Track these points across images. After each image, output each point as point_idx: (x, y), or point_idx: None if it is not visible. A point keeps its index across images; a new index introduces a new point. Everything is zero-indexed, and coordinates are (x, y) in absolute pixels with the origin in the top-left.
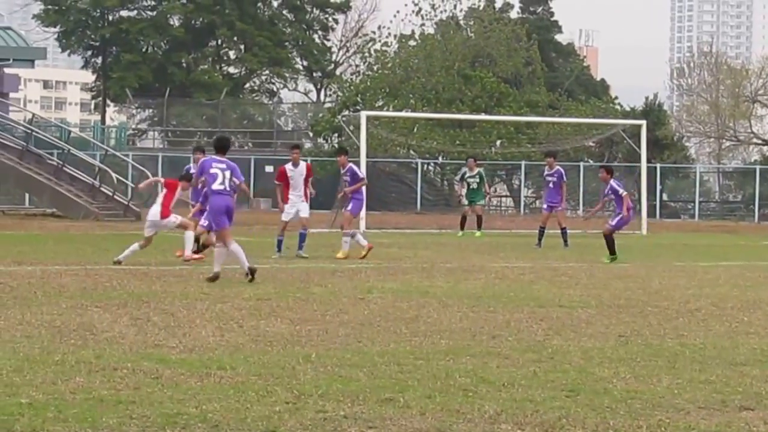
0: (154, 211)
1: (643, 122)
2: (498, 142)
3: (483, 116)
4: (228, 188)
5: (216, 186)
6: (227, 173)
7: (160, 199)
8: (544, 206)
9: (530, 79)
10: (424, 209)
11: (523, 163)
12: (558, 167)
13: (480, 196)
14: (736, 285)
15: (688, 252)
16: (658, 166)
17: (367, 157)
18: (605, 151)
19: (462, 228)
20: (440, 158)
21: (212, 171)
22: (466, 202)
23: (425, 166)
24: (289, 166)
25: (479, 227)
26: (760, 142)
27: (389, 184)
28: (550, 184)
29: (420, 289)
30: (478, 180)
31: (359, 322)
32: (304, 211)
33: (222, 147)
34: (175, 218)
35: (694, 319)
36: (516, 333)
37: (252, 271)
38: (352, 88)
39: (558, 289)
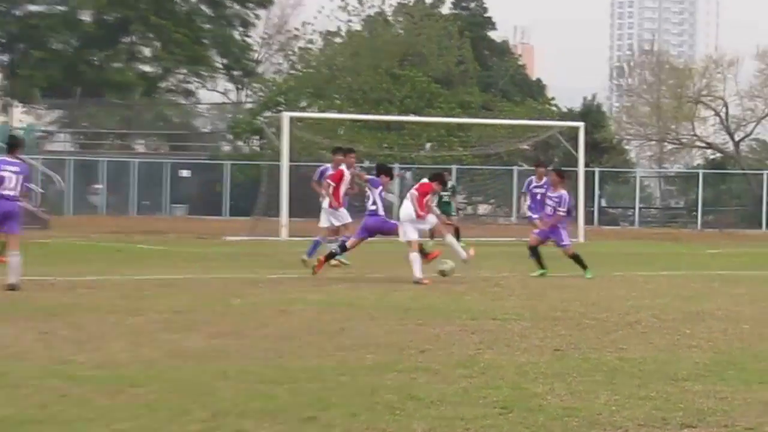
0: None
1: (581, 124)
2: (428, 145)
3: (412, 117)
4: (16, 194)
5: (5, 191)
6: (20, 177)
7: None
8: (532, 215)
9: (462, 79)
10: (351, 216)
11: (454, 167)
12: (547, 179)
13: (451, 208)
14: (678, 296)
15: (628, 261)
16: (597, 170)
17: (290, 161)
18: (541, 154)
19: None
20: (367, 162)
21: (2, 174)
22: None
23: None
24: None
25: (458, 238)
26: (703, 145)
27: (312, 191)
28: (538, 196)
29: (345, 301)
30: (449, 193)
31: (281, 335)
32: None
33: (14, 145)
34: None
35: (634, 332)
36: (446, 347)
37: (12, 287)
38: (274, 87)
39: (491, 300)
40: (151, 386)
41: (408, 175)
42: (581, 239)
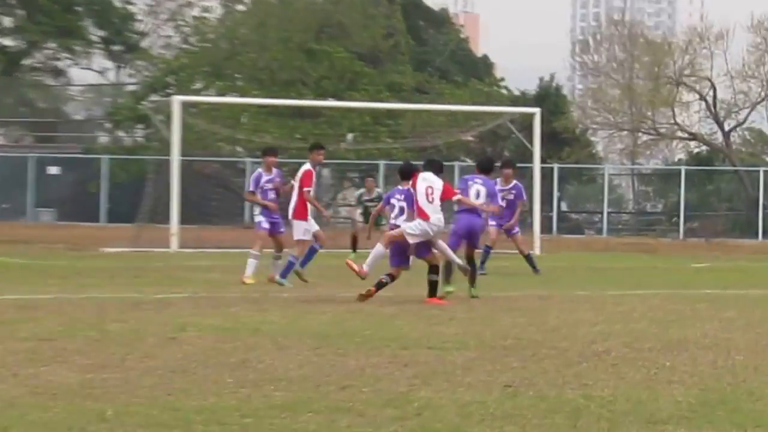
0: None
1: (537, 110)
2: (350, 136)
3: (331, 102)
4: None
5: None
6: None
7: None
8: (492, 223)
9: (392, 55)
10: (252, 223)
11: (382, 163)
12: (516, 182)
13: (381, 218)
14: (655, 320)
15: (595, 277)
16: (556, 166)
17: (182, 155)
18: (487, 147)
19: (354, 248)
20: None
21: None
22: (359, 220)
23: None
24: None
25: (354, 249)
26: (685, 136)
27: (210, 191)
28: (503, 202)
29: (249, 326)
30: (377, 203)
31: (170, 368)
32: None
33: None
34: None
35: (602, 364)
36: (373, 382)
37: None
38: (162, 66)
39: (427, 325)
40: (11, 430)
41: (326, 172)
42: (537, 251)
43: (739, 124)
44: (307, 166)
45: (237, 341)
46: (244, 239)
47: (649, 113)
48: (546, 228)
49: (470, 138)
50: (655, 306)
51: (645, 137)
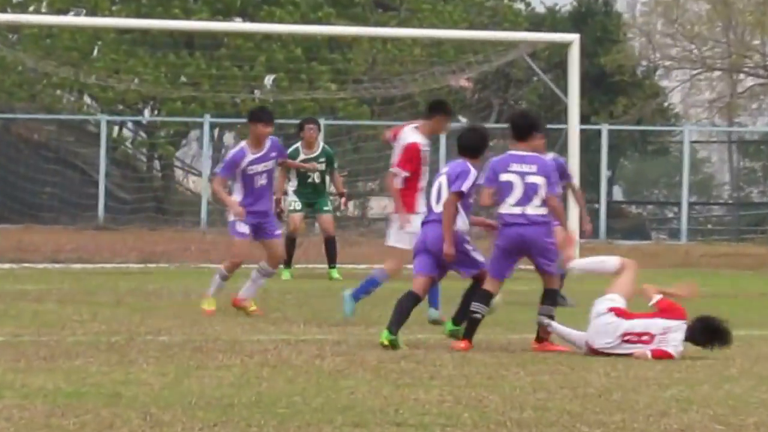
0: None
1: (574, 38)
2: (269, 80)
3: (238, 25)
4: None
5: None
6: None
7: None
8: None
9: None
10: (112, 220)
11: (322, 121)
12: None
13: (324, 200)
14: (766, 379)
15: None
16: (605, 128)
17: None
18: (494, 98)
19: (289, 263)
20: (147, 113)
21: None
22: (294, 208)
23: (116, 129)
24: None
25: (332, 261)
26: None
27: (40, 168)
28: None
29: (105, 390)
30: (321, 166)
31: None
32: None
33: None
34: None
35: None
36: None
37: None
38: None
39: (394, 387)
40: None
41: (228, 138)
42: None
43: None
44: (414, 136)
45: (83, 415)
46: (94, 246)
47: (757, 42)
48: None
49: (465, 84)
50: (762, 355)
51: (750, 82)
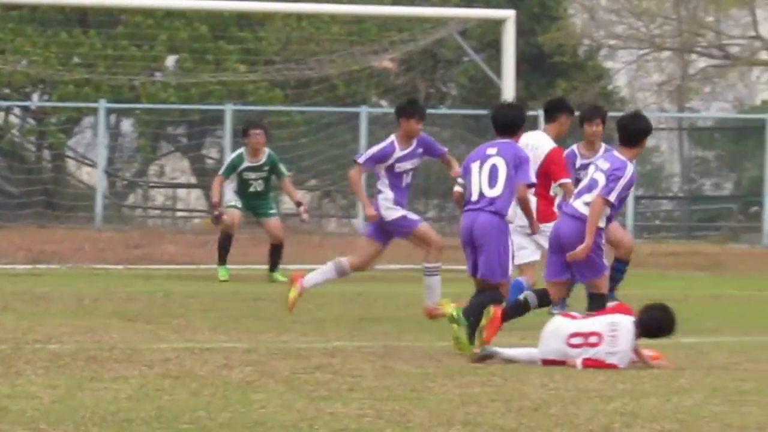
0: None
1: (509, 14)
2: (171, 61)
3: (133, 1)
4: None
5: None
6: None
7: None
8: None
9: None
10: None
11: (228, 107)
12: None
13: (269, 203)
14: (719, 391)
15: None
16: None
17: None
18: (420, 81)
19: (223, 259)
20: (36, 97)
21: None
22: (234, 205)
23: (2, 115)
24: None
25: (274, 265)
26: None
27: None
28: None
29: None
30: (264, 173)
31: None
32: None
33: None
34: None
35: None
36: None
37: None
38: None
39: (308, 401)
40: None
41: (126, 125)
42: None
43: None
44: (550, 141)
45: None
46: None
47: (711, 19)
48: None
49: (388, 64)
50: (715, 365)
51: (702, 63)
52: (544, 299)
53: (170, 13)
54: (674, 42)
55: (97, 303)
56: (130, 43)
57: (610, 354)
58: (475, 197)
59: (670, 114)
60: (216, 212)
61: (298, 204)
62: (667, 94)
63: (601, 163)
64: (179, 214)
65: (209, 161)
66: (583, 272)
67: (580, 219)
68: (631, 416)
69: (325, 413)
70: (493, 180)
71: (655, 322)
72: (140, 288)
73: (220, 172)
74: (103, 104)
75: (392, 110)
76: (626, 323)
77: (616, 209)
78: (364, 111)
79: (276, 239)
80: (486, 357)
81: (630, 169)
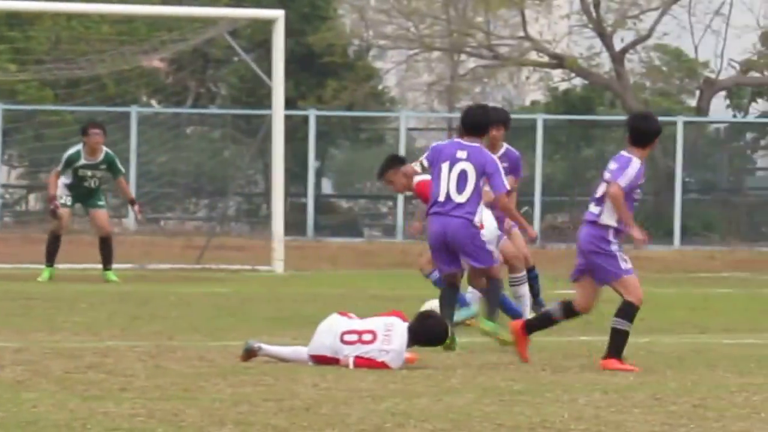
0: None
1: (279, 14)
2: None
3: None
4: None
5: None
6: None
7: None
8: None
9: None
10: None
11: (2, 106)
12: (507, 147)
13: (98, 196)
14: (487, 390)
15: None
16: (312, 114)
17: None
18: (191, 80)
19: (51, 260)
20: None
21: None
22: (65, 203)
23: None
24: None
25: (107, 261)
26: (545, 59)
27: None
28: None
29: None
30: (101, 171)
31: None
32: None
33: None
34: None
35: None
36: None
37: None
38: None
39: (83, 400)
40: None
41: None
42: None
43: (642, 39)
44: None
45: None
46: None
47: (480, 19)
48: (295, 226)
49: (158, 64)
50: (486, 364)
51: (472, 63)
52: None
53: None
54: (444, 42)
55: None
56: None
57: (384, 352)
58: (442, 199)
59: (440, 114)
60: (52, 206)
61: (132, 202)
62: (437, 94)
63: (611, 165)
64: None
65: None
66: (605, 276)
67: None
68: (403, 416)
69: (98, 413)
70: (461, 186)
71: (428, 330)
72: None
73: (58, 168)
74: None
75: (163, 110)
76: (401, 326)
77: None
78: (134, 110)
79: (103, 231)
80: (252, 353)
81: (637, 163)
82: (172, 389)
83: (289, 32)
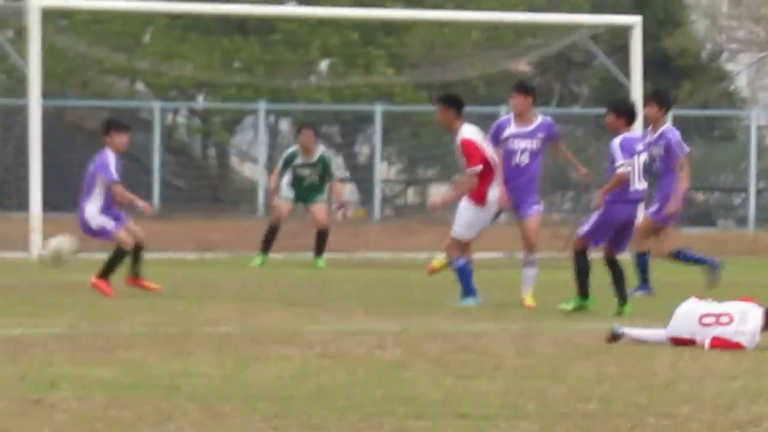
0: None
1: (636, 20)
2: (324, 64)
3: (292, 9)
4: None
5: None
6: None
7: None
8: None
9: None
10: (169, 208)
11: (377, 107)
12: (667, 128)
13: (319, 192)
14: None
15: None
16: (670, 114)
17: (45, 95)
18: (553, 82)
19: (266, 248)
20: (202, 98)
21: None
22: (286, 196)
23: (170, 115)
24: None
25: (320, 251)
26: None
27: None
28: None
29: (162, 381)
30: (318, 171)
31: None
32: None
33: None
34: None
35: None
36: None
37: None
38: None
39: (456, 379)
40: None
41: (284, 124)
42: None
43: None
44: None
45: (142, 406)
46: (154, 236)
47: None
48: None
49: (523, 67)
50: None
51: None
52: None
53: (323, 21)
54: None
55: (260, 288)
56: (286, 49)
57: (739, 333)
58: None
59: None
60: (271, 199)
61: (341, 205)
62: None
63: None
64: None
65: (361, 157)
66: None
67: None
68: (754, 393)
69: (472, 390)
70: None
71: None
72: (300, 274)
73: (278, 167)
74: (262, 105)
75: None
76: (757, 309)
77: None
78: (503, 110)
79: (320, 224)
80: (617, 336)
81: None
82: (540, 369)
83: (646, 37)
